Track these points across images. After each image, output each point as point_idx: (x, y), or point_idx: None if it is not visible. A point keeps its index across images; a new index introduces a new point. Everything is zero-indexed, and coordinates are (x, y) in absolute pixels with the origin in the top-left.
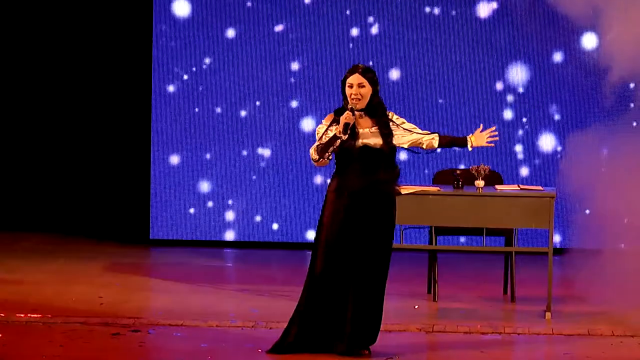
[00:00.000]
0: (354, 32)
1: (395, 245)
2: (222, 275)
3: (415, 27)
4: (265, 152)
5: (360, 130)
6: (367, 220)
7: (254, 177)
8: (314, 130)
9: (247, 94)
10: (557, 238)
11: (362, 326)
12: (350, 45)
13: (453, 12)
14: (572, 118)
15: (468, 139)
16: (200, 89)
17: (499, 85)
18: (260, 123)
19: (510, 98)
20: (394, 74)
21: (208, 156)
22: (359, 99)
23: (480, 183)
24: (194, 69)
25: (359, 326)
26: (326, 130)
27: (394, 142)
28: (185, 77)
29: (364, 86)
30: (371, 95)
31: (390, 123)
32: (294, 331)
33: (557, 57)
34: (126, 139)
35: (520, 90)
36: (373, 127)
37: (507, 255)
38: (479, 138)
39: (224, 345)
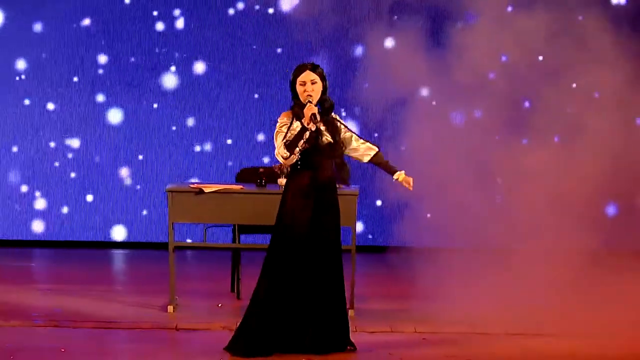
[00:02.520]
0: (159, 26)
1: (198, 243)
2: (25, 274)
3: (218, 23)
4: (74, 142)
5: (322, 128)
6: (325, 216)
7: (63, 173)
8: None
9: (54, 87)
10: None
11: (331, 326)
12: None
13: (257, 7)
14: (373, 113)
15: (397, 172)
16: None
17: None
18: (68, 116)
19: None
20: (199, 68)
21: (15, 149)
22: (312, 96)
23: (282, 181)
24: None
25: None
26: (289, 126)
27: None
28: None
29: (315, 82)
30: (322, 92)
31: (338, 123)
32: (259, 332)
33: (358, 51)
34: None
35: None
36: (322, 125)
37: None
38: (405, 178)
39: (28, 344)
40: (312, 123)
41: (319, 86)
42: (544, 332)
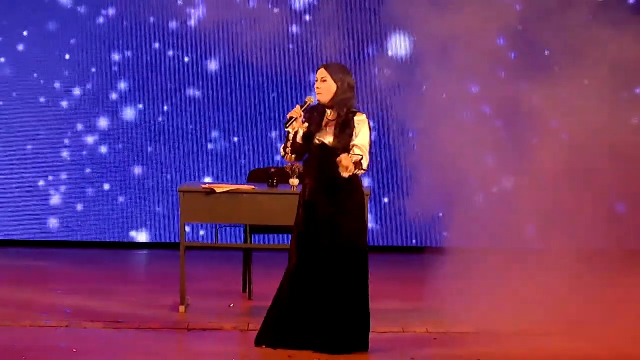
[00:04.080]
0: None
1: (210, 244)
2: (34, 275)
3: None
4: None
5: (322, 128)
6: (323, 218)
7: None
8: None
9: None
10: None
11: (347, 327)
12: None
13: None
14: (390, 119)
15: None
16: None
17: None
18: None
19: None
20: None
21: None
22: (320, 93)
23: (294, 182)
24: None
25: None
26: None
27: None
28: None
29: (325, 80)
30: (336, 91)
31: (356, 128)
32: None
33: (369, 53)
34: None
35: None
36: (333, 126)
37: None
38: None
39: (39, 345)
40: (289, 124)
41: (328, 85)
42: (554, 332)
